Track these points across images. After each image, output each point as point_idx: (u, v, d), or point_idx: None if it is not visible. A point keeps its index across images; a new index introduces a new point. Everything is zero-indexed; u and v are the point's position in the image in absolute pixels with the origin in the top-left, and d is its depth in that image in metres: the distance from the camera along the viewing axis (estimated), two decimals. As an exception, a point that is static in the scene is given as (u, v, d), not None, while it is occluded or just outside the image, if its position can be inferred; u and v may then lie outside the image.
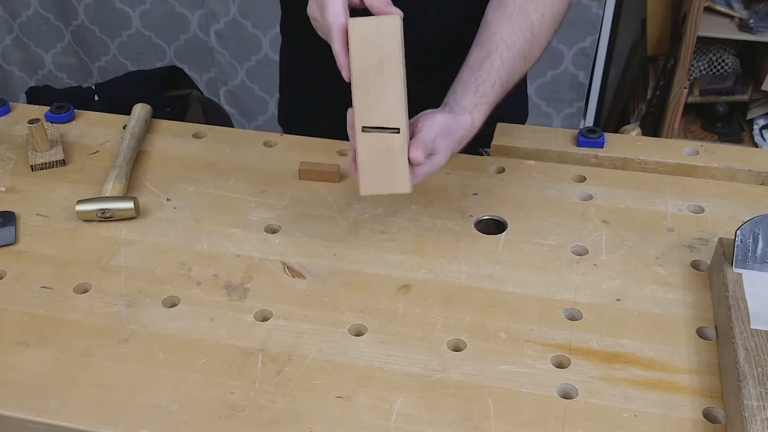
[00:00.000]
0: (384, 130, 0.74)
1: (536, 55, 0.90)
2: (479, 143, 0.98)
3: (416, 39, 1.01)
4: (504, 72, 0.84)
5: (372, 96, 0.73)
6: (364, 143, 0.74)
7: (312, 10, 0.80)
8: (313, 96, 1.16)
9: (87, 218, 0.89)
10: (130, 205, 0.88)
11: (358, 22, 0.72)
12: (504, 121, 1.04)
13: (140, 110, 1.07)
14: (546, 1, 0.89)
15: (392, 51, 0.72)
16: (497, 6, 0.89)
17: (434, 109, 0.81)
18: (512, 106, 1.18)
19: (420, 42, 1.01)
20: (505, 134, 1.02)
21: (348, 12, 0.75)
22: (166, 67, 1.97)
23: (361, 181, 0.76)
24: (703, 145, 1.00)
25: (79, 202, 0.88)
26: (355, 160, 0.76)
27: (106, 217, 0.87)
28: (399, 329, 0.75)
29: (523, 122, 1.21)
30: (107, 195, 0.91)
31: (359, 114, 0.74)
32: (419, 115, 0.80)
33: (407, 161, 0.75)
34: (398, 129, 0.74)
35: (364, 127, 0.74)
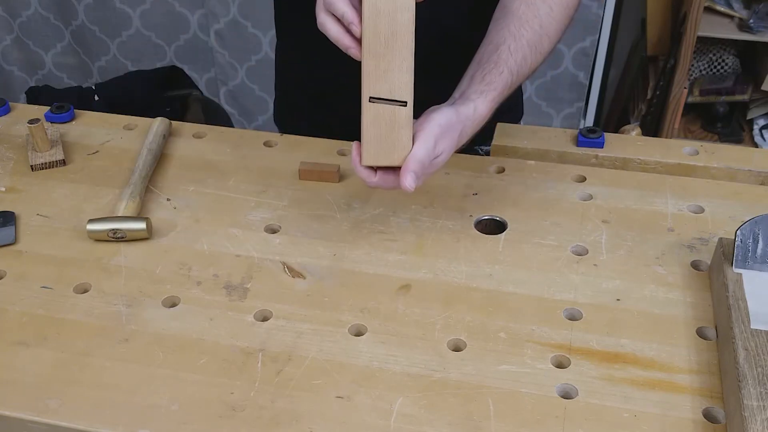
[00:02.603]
0: (391, 102, 0.74)
1: (547, 48, 0.88)
2: (477, 141, 0.98)
3: (420, 41, 1.01)
4: (513, 61, 0.83)
5: (381, 67, 0.73)
6: (369, 113, 0.74)
7: None
8: (308, 95, 1.16)
9: (98, 238, 0.86)
10: (142, 225, 0.86)
11: None
12: (497, 118, 1.04)
13: (158, 125, 1.04)
14: None
15: (406, 25, 0.72)
16: (504, 5, 0.89)
17: (437, 105, 0.80)
18: (506, 103, 1.18)
19: (424, 44, 1.01)
20: (505, 134, 1.02)
21: None
22: (166, 67, 1.97)
23: (364, 151, 0.76)
24: (703, 145, 1.00)
25: (91, 221, 0.86)
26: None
27: (117, 237, 0.86)
28: (399, 329, 0.75)
29: (518, 120, 1.21)
30: (120, 214, 0.88)
31: (367, 83, 0.74)
32: (422, 114, 0.80)
33: (411, 137, 0.75)
34: (405, 102, 0.74)
35: (371, 97, 0.74)
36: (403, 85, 0.74)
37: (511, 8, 0.87)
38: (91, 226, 0.86)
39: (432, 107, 0.80)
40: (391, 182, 0.78)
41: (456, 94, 0.83)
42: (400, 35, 0.73)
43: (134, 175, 0.94)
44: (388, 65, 0.73)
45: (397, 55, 0.73)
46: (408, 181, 0.75)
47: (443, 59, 1.01)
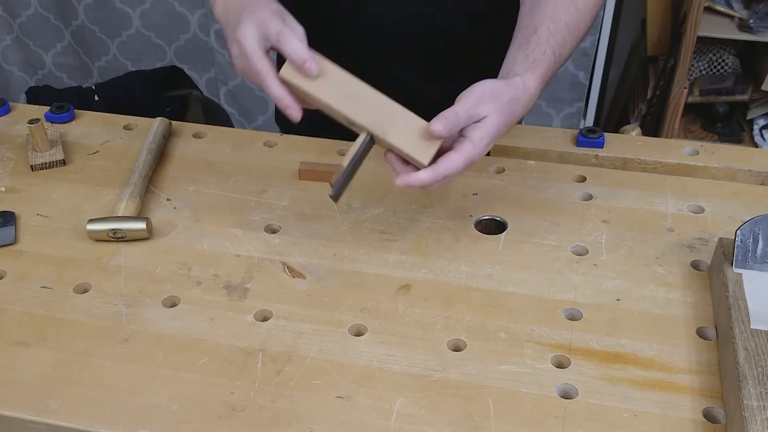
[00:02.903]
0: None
1: (582, 33, 0.87)
2: None
3: (426, 44, 1.01)
4: (554, 42, 0.81)
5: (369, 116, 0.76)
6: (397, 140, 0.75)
7: (234, 50, 0.78)
8: None
9: (98, 238, 0.86)
10: (142, 225, 0.86)
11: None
12: None
13: (158, 125, 1.03)
14: None
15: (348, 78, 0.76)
16: None
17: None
18: None
19: (430, 47, 1.01)
20: (505, 134, 1.02)
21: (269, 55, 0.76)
22: (166, 67, 1.97)
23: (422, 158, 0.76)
24: (703, 145, 1.00)
25: (91, 221, 0.86)
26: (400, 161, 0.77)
27: (117, 237, 0.86)
28: (399, 329, 0.75)
29: (519, 121, 1.21)
30: (120, 214, 0.88)
31: (381, 133, 0.75)
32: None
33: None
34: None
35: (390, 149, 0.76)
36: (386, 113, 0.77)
37: None
38: (90, 226, 0.86)
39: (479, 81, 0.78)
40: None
41: (502, 73, 0.81)
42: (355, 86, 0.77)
43: (134, 175, 0.94)
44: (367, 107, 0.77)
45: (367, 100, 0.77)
46: (436, 125, 0.73)
47: (444, 58, 1.01)
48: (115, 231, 0.85)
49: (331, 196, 0.78)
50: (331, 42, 0.86)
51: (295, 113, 0.76)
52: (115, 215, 0.88)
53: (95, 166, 1.00)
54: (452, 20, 1.01)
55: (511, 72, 0.79)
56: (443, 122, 0.73)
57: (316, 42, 0.84)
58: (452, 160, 0.74)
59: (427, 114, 0.78)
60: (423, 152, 0.75)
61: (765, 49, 2.23)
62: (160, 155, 1.01)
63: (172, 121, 1.09)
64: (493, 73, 0.82)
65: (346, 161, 0.77)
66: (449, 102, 0.78)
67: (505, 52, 0.84)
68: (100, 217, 0.87)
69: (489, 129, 0.75)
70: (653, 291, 0.79)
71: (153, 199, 0.94)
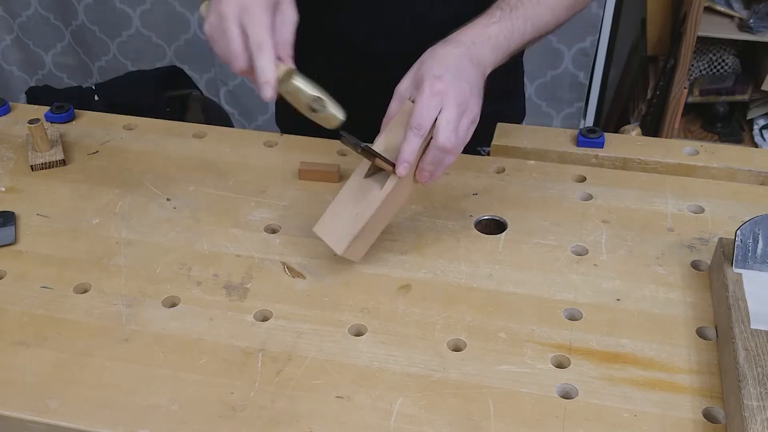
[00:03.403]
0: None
1: (562, 10, 0.85)
2: (478, 142, 0.98)
3: (421, 43, 1.01)
4: (522, 13, 0.80)
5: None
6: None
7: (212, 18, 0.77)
8: None
9: (294, 99, 0.76)
10: (340, 115, 0.77)
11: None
12: (502, 121, 1.04)
13: None
14: None
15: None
16: None
17: None
18: (510, 105, 1.18)
19: (426, 45, 1.01)
20: (505, 134, 1.02)
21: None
22: (166, 67, 1.97)
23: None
24: (703, 145, 1.00)
25: (293, 75, 0.75)
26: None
27: (314, 108, 0.76)
28: (399, 329, 0.75)
29: (520, 121, 1.21)
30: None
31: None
32: None
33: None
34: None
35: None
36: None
37: None
38: (298, 82, 0.76)
39: None
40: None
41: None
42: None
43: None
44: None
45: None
46: (407, 150, 0.73)
47: None
48: (318, 100, 0.76)
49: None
50: (331, 42, 0.86)
51: (270, 93, 0.73)
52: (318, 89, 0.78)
53: (95, 166, 1.00)
54: (453, 22, 1.01)
55: (467, 25, 0.78)
56: (412, 136, 0.73)
57: (316, 41, 0.84)
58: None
59: None
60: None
61: (765, 49, 2.23)
62: (160, 156, 1.00)
63: (172, 121, 1.09)
64: (493, 73, 0.83)
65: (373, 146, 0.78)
66: None
67: None
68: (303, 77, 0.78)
69: (443, 95, 0.73)
70: (653, 291, 0.79)
71: (153, 199, 0.94)
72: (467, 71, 0.75)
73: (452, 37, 0.78)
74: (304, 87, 0.76)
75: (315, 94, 0.76)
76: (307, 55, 0.97)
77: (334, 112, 0.77)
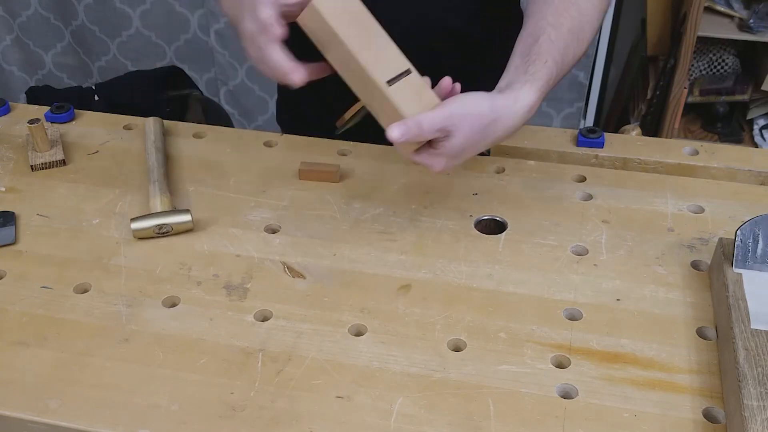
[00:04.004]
0: (400, 76, 0.75)
1: (588, 36, 0.85)
2: None
3: (421, 39, 1.01)
4: (556, 50, 0.80)
5: (373, 55, 0.74)
6: (395, 94, 0.74)
7: (233, 8, 0.78)
8: (309, 96, 1.16)
9: (143, 236, 0.86)
10: (187, 218, 0.86)
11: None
12: None
13: (153, 124, 1.03)
14: None
15: (362, 10, 0.75)
16: None
17: (476, 92, 0.77)
18: None
19: (425, 42, 1.01)
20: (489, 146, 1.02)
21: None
22: (166, 67, 1.98)
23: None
24: (703, 145, 1.00)
25: (134, 220, 0.85)
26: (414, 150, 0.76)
27: (163, 232, 0.85)
28: (399, 329, 0.75)
29: None
30: (159, 210, 0.87)
31: (375, 73, 0.74)
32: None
33: (432, 92, 0.77)
34: (408, 70, 0.76)
35: (387, 81, 0.74)
36: (397, 58, 0.76)
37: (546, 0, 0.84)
38: (136, 225, 0.85)
39: (470, 92, 0.77)
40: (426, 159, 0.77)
41: (501, 84, 0.80)
42: (366, 22, 0.75)
43: (153, 173, 0.94)
44: (377, 51, 0.75)
45: (376, 39, 0.75)
46: (393, 131, 0.72)
47: (441, 57, 1.01)
48: (161, 226, 0.85)
49: (336, 125, 0.81)
50: None
51: (298, 76, 0.75)
52: (152, 212, 0.87)
53: (95, 166, 1.00)
54: (457, 21, 1.01)
55: (509, 85, 0.78)
56: (402, 129, 0.73)
57: (311, 41, 0.84)
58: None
59: None
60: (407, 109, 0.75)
61: (765, 49, 2.23)
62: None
63: (172, 121, 1.09)
64: (493, 70, 0.82)
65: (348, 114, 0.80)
66: None
67: (504, 49, 0.84)
68: (142, 215, 0.87)
69: (446, 148, 0.75)
70: (653, 291, 0.79)
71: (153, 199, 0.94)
72: (496, 139, 0.78)
73: (523, 98, 0.78)
74: (144, 225, 0.86)
75: (154, 223, 0.84)
76: (304, 55, 0.97)
77: (180, 221, 0.86)
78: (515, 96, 0.77)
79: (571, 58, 0.83)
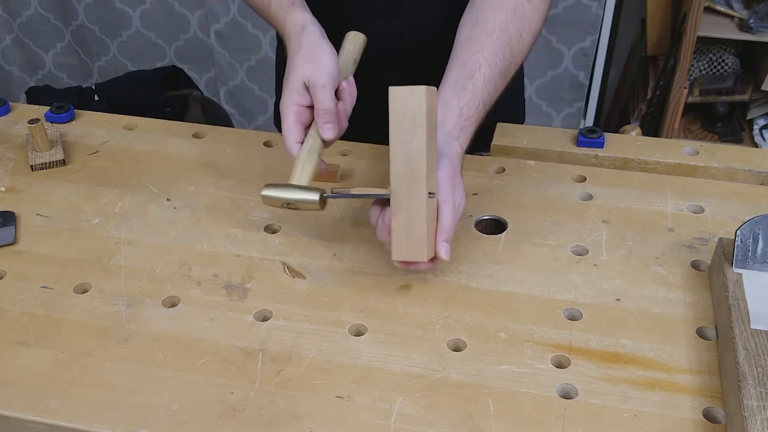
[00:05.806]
0: (432, 195, 0.75)
1: (512, 76, 0.89)
2: (478, 147, 0.98)
3: (395, 37, 1.01)
4: (487, 93, 0.84)
5: (432, 161, 0.74)
6: (430, 210, 0.74)
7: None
8: None
9: (271, 204, 0.81)
10: (315, 197, 0.80)
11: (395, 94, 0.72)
12: (499, 120, 1.04)
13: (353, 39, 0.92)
14: (524, 19, 0.88)
15: (422, 116, 0.72)
16: (475, 22, 0.87)
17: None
18: (509, 109, 1.18)
19: (399, 40, 1.01)
20: (505, 134, 1.02)
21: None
22: (166, 67, 1.98)
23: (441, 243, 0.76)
24: (703, 145, 1.00)
25: (267, 186, 0.81)
26: (389, 233, 0.75)
27: (292, 207, 0.81)
28: (399, 329, 0.75)
29: (521, 121, 1.21)
30: (294, 183, 0.82)
31: (429, 179, 0.73)
32: None
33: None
34: (434, 193, 0.75)
35: (430, 192, 0.74)
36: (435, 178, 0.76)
37: (486, 29, 0.86)
38: (266, 192, 0.81)
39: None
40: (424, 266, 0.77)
41: (440, 118, 0.81)
42: (435, 132, 0.76)
43: (307, 141, 0.86)
44: (433, 161, 0.75)
45: (434, 152, 0.75)
46: (443, 252, 0.75)
47: (425, 61, 1.01)
48: (288, 203, 0.80)
49: (323, 195, 0.79)
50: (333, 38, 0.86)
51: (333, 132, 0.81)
52: (290, 182, 0.82)
53: (95, 166, 1.00)
54: (428, 20, 1.01)
55: (447, 130, 0.80)
56: (448, 247, 0.75)
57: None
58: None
59: None
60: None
61: (765, 49, 2.23)
62: (162, 155, 1.01)
63: (172, 121, 1.09)
64: None
65: (355, 191, 0.79)
66: None
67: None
68: (276, 184, 0.82)
69: (462, 210, 0.79)
70: (653, 291, 0.79)
71: (153, 199, 0.94)
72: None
73: (461, 148, 0.81)
74: (275, 194, 0.81)
75: (284, 196, 0.81)
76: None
77: (308, 199, 0.81)
78: (459, 144, 0.81)
79: (494, 100, 0.86)
